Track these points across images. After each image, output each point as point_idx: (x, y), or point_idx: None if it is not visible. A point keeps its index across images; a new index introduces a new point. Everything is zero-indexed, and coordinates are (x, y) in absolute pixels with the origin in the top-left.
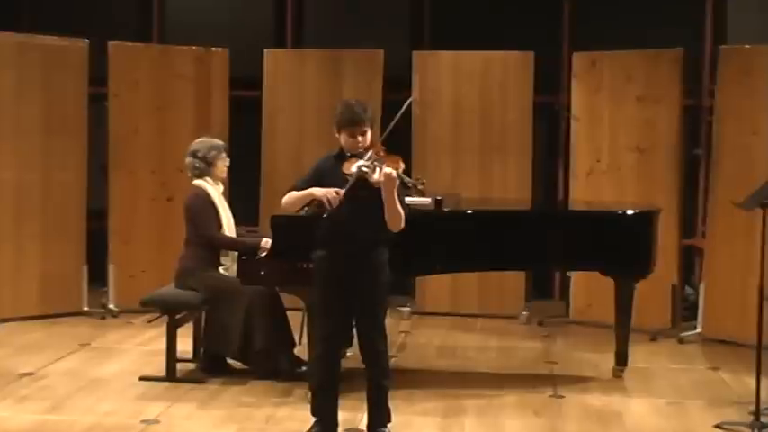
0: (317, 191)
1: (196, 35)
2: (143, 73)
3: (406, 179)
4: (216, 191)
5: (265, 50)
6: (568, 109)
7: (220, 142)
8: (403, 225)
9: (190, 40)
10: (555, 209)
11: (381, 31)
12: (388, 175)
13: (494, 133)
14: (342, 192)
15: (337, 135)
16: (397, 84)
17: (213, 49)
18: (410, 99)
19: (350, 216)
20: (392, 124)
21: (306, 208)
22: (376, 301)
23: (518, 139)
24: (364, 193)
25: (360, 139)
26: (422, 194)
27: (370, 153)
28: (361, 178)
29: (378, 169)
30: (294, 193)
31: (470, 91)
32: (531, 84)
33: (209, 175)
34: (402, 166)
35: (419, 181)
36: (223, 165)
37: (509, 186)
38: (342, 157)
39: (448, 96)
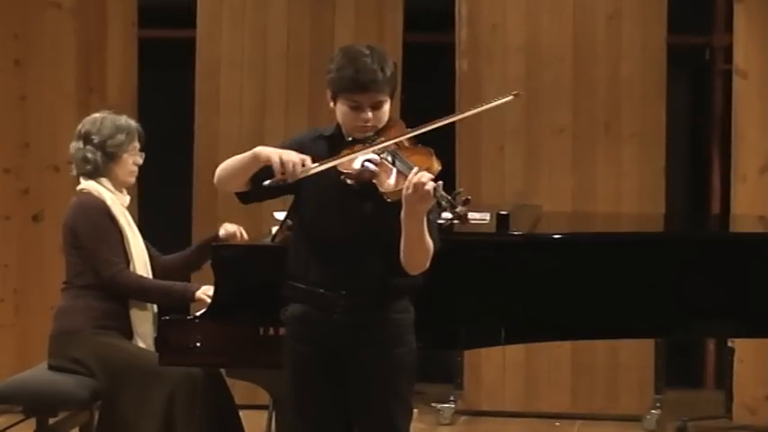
0: (268, 151)
1: None
2: None
3: (440, 193)
4: (118, 201)
5: None
6: (729, 58)
7: (131, 122)
8: (428, 265)
9: None
10: (707, 231)
11: None
12: (419, 186)
13: (598, 101)
14: (313, 166)
15: (332, 105)
16: (427, 20)
17: None
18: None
19: (349, 247)
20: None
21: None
22: (392, 393)
23: (641, 110)
24: (371, 208)
25: (370, 114)
26: (461, 220)
27: (383, 140)
28: (367, 182)
29: (395, 171)
30: (231, 159)
31: (556, 29)
32: (663, 15)
33: (107, 176)
34: (437, 166)
35: (459, 195)
36: (132, 161)
37: (625, 193)
38: (338, 140)
39: (517, 39)
